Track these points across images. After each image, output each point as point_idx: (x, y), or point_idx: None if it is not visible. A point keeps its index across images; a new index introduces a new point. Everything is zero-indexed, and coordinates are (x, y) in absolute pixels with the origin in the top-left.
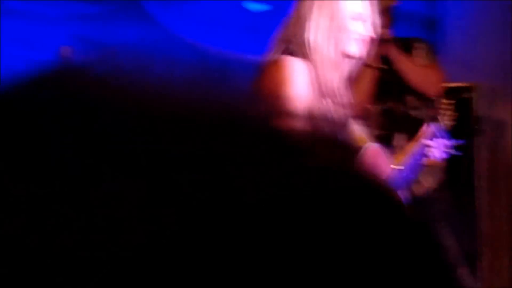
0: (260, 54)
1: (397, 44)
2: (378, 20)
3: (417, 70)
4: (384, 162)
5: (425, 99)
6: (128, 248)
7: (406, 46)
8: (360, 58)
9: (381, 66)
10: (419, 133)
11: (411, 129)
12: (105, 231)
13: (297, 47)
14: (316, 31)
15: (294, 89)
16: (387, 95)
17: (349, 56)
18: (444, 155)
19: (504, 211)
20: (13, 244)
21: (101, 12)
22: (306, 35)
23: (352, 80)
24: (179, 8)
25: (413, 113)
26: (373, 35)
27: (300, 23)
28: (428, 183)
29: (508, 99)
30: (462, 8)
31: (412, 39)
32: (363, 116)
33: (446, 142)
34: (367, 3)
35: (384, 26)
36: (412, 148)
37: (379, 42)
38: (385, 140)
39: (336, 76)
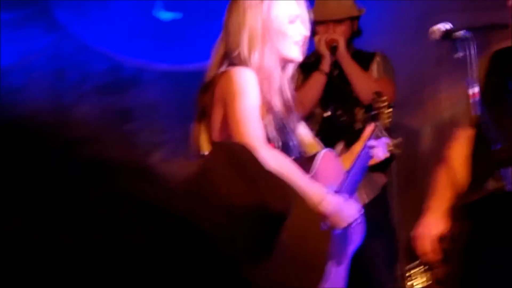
0: (172, 62)
1: (358, 55)
2: (308, 16)
3: (365, 81)
4: (338, 167)
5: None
6: None
7: (367, 58)
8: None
9: (332, 71)
10: (363, 134)
11: (351, 139)
12: None
13: (237, 60)
14: (251, 42)
15: (251, 98)
16: (334, 101)
17: (291, 61)
18: (386, 154)
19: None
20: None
21: (13, 19)
22: (241, 47)
23: (299, 84)
24: (91, 18)
25: (356, 124)
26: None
27: (235, 35)
28: (367, 194)
29: (418, 108)
30: (378, 16)
31: (374, 53)
32: (307, 120)
33: (387, 140)
34: (301, 2)
35: (345, 35)
36: (358, 150)
37: (332, 50)
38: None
39: (278, 82)
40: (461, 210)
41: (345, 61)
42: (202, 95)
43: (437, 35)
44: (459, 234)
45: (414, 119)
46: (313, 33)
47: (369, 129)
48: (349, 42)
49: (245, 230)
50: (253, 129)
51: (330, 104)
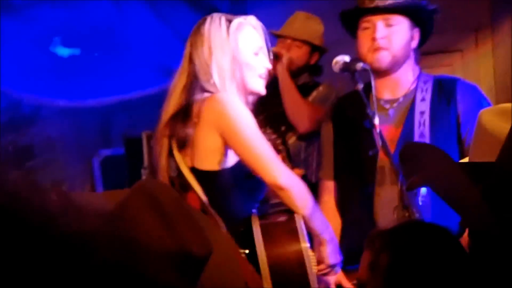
0: (71, 98)
1: (305, 85)
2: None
3: (300, 103)
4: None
5: None
6: None
7: (312, 87)
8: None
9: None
10: None
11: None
12: None
13: (213, 88)
14: (221, 72)
15: (251, 123)
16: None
17: (255, 94)
18: None
19: None
20: None
21: None
22: (214, 77)
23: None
24: None
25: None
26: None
27: (205, 66)
28: None
29: None
30: None
31: (319, 83)
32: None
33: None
34: (262, 34)
35: (298, 57)
36: None
37: (275, 56)
38: (282, 141)
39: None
40: (377, 240)
41: (282, 76)
42: (177, 124)
43: (336, 68)
44: (377, 264)
45: None
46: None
47: None
48: (301, 71)
49: (163, 274)
50: (268, 153)
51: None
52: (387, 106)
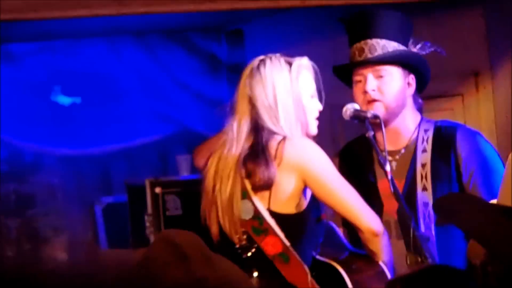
0: (71, 146)
1: None
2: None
3: None
4: None
5: None
6: None
7: None
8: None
9: None
10: None
11: None
12: None
13: (277, 130)
14: (287, 116)
15: (333, 168)
16: None
17: (310, 136)
18: None
19: None
20: None
21: None
22: (280, 121)
23: None
24: None
25: None
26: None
27: (269, 109)
28: None
29: None
30: None
31: None
32: None
33: None
34: (315, 75)
35: None
36: None
37: None
38: None
39: None
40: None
41: None
42: (255, 165)
43: (347, 115)
44: None
45: None
46: None
47: None
48: None
49: None
50: (357, 199)
51: None
52: (389, 158)
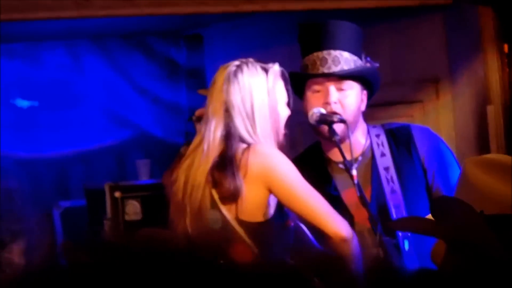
0: (27, 150)
1: None
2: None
3: None
4: None
5: None
6: None
7: None
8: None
9: None
10: None
11: None
12: None
13: (250, 138)
14: (264, 125)
15: (298, 174)
16: None
17: (281, 143)
18: None
19: None
20: None
21: None
22: (257, 130)
23: None
24: None
25: None
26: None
27: (247, 120)
28: None
29: None
30: None
31: None
32: None
33: None
34: (286, 81)
35: None
36: None
37: None
38: None
39: None
40: None
41: None
42: (222, 175)
43: (313, 119)
44: None
45: None
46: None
47: None
48: None
49: None
50: (324, 205)
51: None
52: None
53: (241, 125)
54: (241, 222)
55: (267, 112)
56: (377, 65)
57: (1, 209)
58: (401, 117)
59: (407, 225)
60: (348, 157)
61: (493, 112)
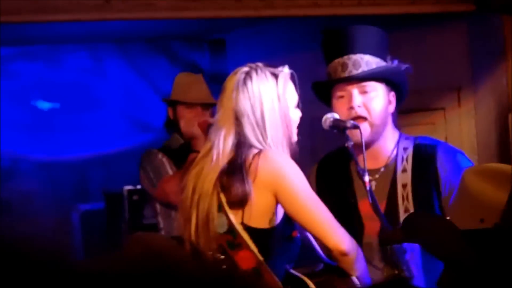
0: (48, 152)
1: None
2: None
3: None
4: None
5: None
6: None
7: None
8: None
9: None
10: None
11: None
12: None
13: (261, 145)
14: (275, 133)
15: (306, 184)
16: None
17: (294, 146)
18: None
19: None
20: None
21: None
22: (269, 138)
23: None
24: None
25: None
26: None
27: (257, 128)
28: None
29: None
30: None
31: None
32: None
33: None
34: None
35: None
36: None
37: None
38: None
39: None
40: None
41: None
42: (231, 181)
43: (326, 125)
44: None
45: None
46: (175, 115)
47: None
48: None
49: None
50: (328, 218)
51: None
52: (370, 177)
53: (251, 134)
54: (246, 228)
55: (278, 119)
56: (406, 66)
57: (20, 212)
58: (423, 124)
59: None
60: (362, 164)
61: None
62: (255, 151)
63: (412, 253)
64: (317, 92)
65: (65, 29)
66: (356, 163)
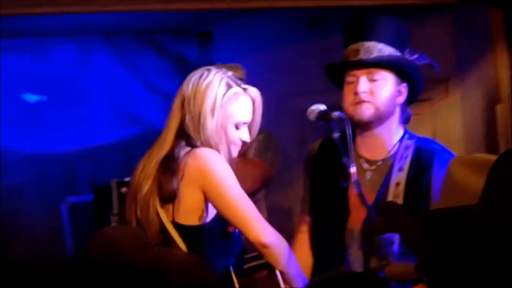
0: (35, 145)
1: None
2: (259, 119)
3: (239, 164)
4: None
5: None
6: None
7: None
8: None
9: None
10: None
11: None
12: None
13: (197, 142)
14: (210, 134)
15: (233, 179)
16: None
17: (230, 161)
18: None
19: None
20: None
21: None
22: (201, 137)
23: None
24: None
25: None
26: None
27: (195, 122)
28: None
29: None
30: None
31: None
32: None
33: None
34: (251, 109)
35: None
36: None
37: None
38: None
39: None
40: None
41: None
42: (164, 177)
43: (312, 116)
44: None
45: (281, 199)
46: None
47: None
48: None
49: None
50: (252, 211)
51: None
52: (366, 166)
53: (190, 123)
54: (176, 225)
55: (213, 127)
56: (427, 61)
57: (9, 205)
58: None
59: (374, 228)
60: (365, 155)
61: (502, 111)
62: (187, 149)
63: (401, 243)
64: (332, 78)
65: (52, 22)
66: (342, 154)
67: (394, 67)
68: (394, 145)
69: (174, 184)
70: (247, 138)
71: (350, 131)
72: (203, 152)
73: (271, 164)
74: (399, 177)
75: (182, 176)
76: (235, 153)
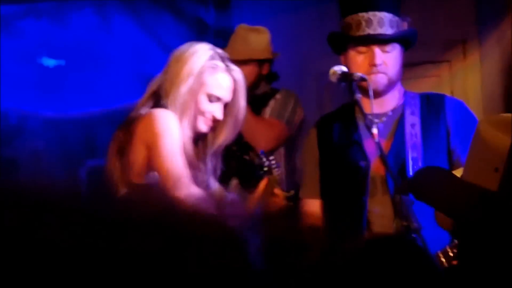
0: (55, 109)
1: (264, 95)
2: (243, 103)
3: (252, 123)
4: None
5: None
6: None
7: (268, 96)
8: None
9: None
10: (258, 189)
11: (246, 176)
12: None
13: (167, 104)
14: (177, 98)
15: (175, 139)
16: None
17: (196, 131)
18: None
19: None
20: None
21: None
22: (171, 98)
23: None
24: None
25: (251, 162)
26: (221, 117)
27: (169, 84)
28: None
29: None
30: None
31: (277, 90)
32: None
33: (283, 192)
34: (230, 88)
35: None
36: (258, 198)
37: None
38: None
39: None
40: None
41: None
42: (120, 133)
43: (334, 78)
44: None
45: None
46: None
47: (262, 183)
48: (256, 85)
49: None
50: (178, 168)
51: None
52: (377, 120)
53: (165, 85)
54: (128, 183)
55: (184, 93)
56: (409, 19)
57: (28, 169)
58: (429, 77)
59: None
60: (371, 112)
61: None
62: (147, 109)
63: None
64: (331, 42)
65: None
66: (364, 116)
67: (407, 41)
68: (400, 98)
69: (125, 139)
70: (219, 115)
71: (372, 92)
72: (157, 112)
73: (288, 122)
74: (413, 119)
75: (134, 133)
76: (203, 126)
